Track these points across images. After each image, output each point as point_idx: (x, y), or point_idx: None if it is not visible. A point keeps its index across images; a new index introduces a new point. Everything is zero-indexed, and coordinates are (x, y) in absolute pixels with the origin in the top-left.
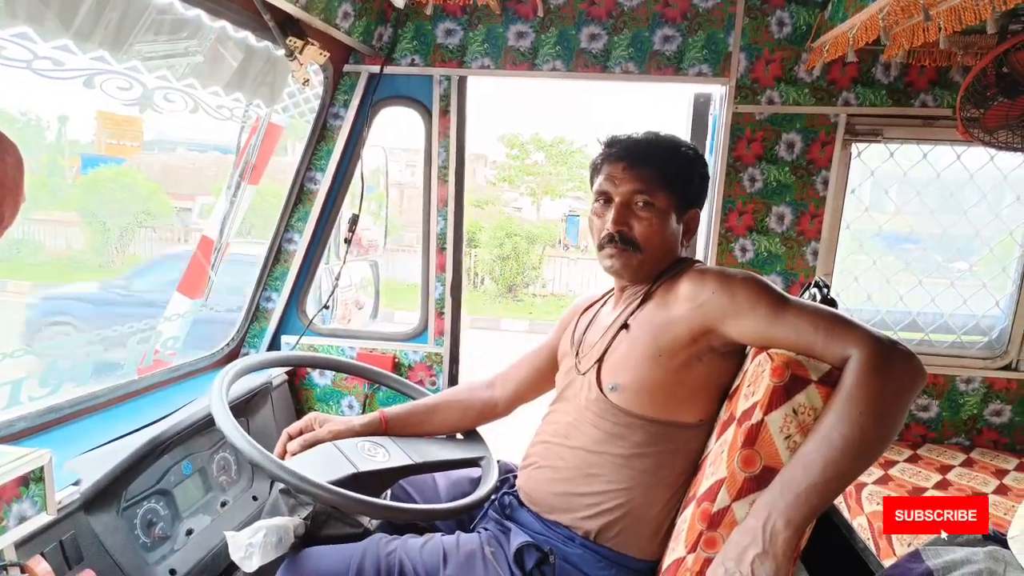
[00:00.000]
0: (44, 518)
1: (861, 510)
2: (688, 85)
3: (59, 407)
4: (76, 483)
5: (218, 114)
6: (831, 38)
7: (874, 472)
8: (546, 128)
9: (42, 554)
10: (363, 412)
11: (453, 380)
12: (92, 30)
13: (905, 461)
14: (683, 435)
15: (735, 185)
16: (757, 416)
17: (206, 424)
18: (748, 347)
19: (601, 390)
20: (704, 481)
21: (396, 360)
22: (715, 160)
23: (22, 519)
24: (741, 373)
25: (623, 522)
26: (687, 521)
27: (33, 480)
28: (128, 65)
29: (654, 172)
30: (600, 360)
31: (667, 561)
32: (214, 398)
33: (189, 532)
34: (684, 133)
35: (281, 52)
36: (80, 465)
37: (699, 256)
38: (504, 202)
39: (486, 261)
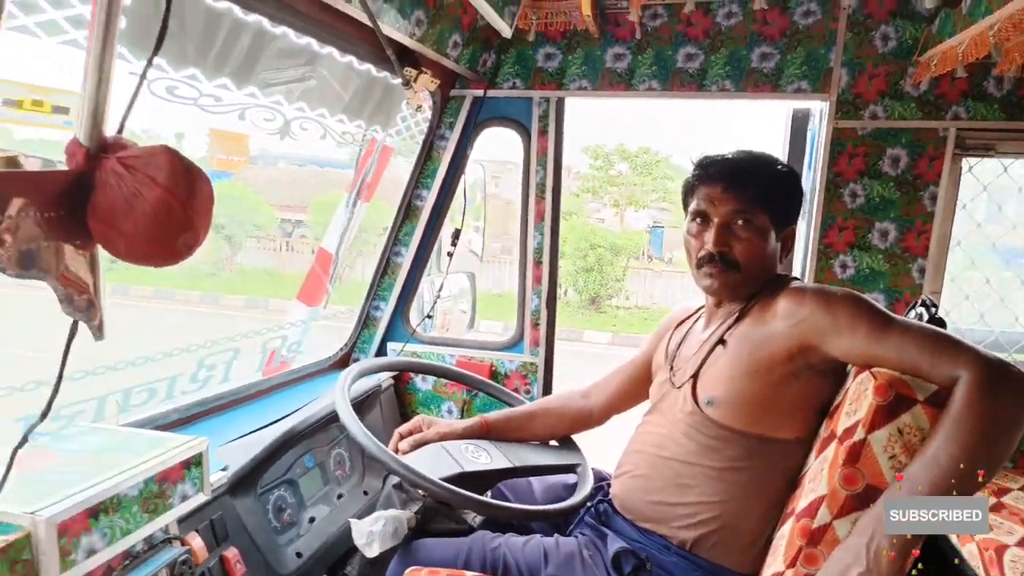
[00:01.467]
0: (200, 498)
1: (971, 538)
2: (786, 101)
3: (205, 402)
4: (224, 469)
5: (342, 139)
6: (939, 53)
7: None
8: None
9: (197, 530)
10: (461, 417)
11: (547, 389)
12: (250, 72)
13: (1020, 489)
14: (779, 451)
15: (835, 201)
16: (860, 434)
17: (327, 422)
18: (849, 365)
19: (697, 404)
20: (803, 497)
21: (493, 368)
22: (814, 176)
23: (184, 498)
24: (842, 391)
25: (719, 534)
26: (785, 536)
27: (194, 464)
28: (272, 99)
29: (753, 192)
30: (695, 374)
31: (765, 574)
32: (339, 399)
33: (312, 520)
34: (781, 148)
35: (397, 81)
36: (224, 454)
37: (796, 273)
38: (587, 213)
39: (569, 272)
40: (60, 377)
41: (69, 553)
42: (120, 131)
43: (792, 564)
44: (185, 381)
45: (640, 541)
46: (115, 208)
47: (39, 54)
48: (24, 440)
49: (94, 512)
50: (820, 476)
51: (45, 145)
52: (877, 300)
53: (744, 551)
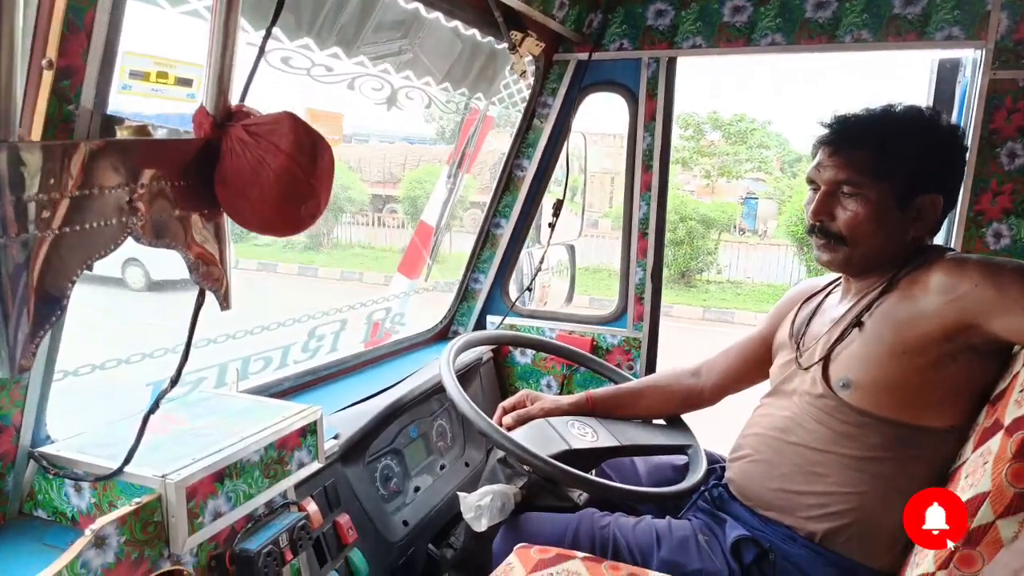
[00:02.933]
0: (316, 465)
1: None
2: (932, 52)
3: (316, 370)
4: (335, 437)
5: (446, 108)
6: None
7: None
8: (725, 105)
9: (312, 496)
10: (560, 392)
11: (651, 366)
12: (359, 40)
13: None
14: (929, 440)
15: (990, 162)
16: None
17: (431, 393)
18: (1017, 347)
19: (829, 386)
20: (959, 493)
21: (594, 343)
22: (966, 134)
23: (301, 465)
24: (1009, 375)
25: (854, 528)
26: None
27: (309, 432)
28: (381, 68)
29: (865, 156)
30: (827, 355)
31: (910, 574)
32: (444, 372)
33: (417, 489)
34: (925, 104)
35: (500, 46)
36: (334, 422)
37: (939, 243)
38: (677, 185)
39: None
40: (189, 344)
41: (197, 516)
42: (243, 100)
43: (944, 566)
44: (297, 350)
45: (761, 530)
46: (241, 176)
47: (161, 24)
48: (156, 405)
49: (220, 476)
50: (982, 470)
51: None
52: None
53: (884, 548)
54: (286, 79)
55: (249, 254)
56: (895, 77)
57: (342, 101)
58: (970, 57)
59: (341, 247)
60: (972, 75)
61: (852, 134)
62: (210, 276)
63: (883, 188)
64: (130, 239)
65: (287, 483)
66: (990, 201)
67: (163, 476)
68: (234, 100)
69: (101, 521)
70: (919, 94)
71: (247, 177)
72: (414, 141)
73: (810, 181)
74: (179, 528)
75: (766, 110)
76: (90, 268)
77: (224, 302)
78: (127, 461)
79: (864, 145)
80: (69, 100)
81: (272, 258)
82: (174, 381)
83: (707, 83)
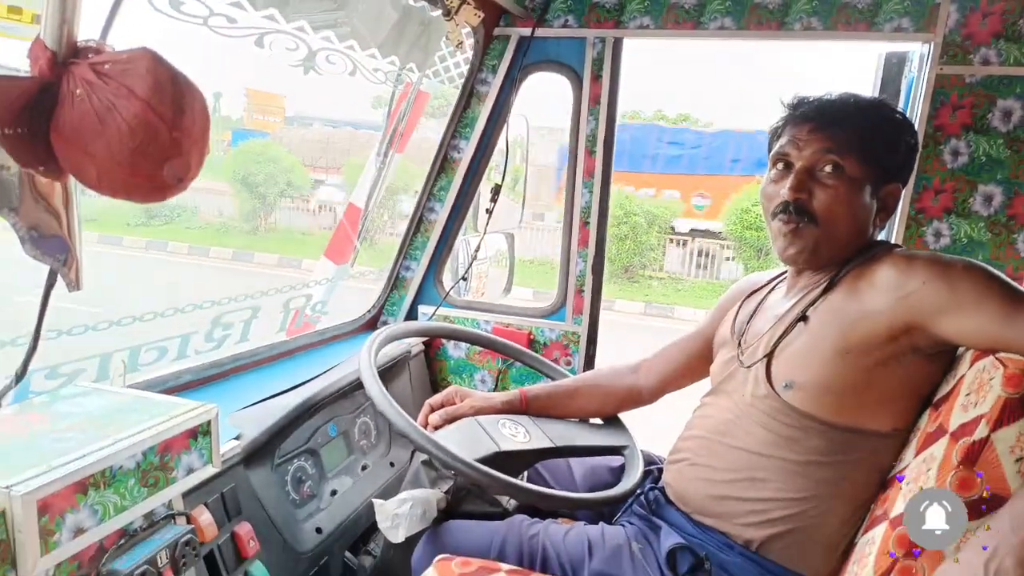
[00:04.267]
0: (210, 470)
1: None
2: (877, 44)
3: (220, 363)
4: (237, 438)
5: (374, 77)
6: None
7: None
8: (670, 103)
9: (205, 504)
10: (495, 388)
11: (590, 362)
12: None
13: None
14: (871, 444)
15: (932, 160)
16: (981, 432)
17: (351, 388)
18: (961, 348)
19: (772, 387)
20: (900, 500)
21: (531, 337)
22: None
23: (190, 470)
24: (954, 378)
25: (793, 535)
26: (875, 543)
27: (201, 433)
28: (296, 25)
29: (848, 134)
30: (770, 353)
31: None
32: (364, 366)
33: (333, 492)
34: None
35: (435, 13)
36: (238, 420)
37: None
38: (622, 181)
39: None
40: (38, 332)
41: (52, 533)
42: (104, 38)
43: None
44: (200, 340)
45: (697, 537)
46: (84, 125)
47: None
48: None
49: (82, 486)
50: (924, 476)
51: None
52: None
53: (821, 557)
54: (222, 52)
55: (177, 236)
56: (836, 74)
57: (288, 83)
58: (917, 52)
59: (279, 232)
60: (919, 69)
61: (835, 112)
62: (52, 250)
63: (862, 169)
64: None
65: (172, 492)
66: (931, 199)
67: (7, 487)
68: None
69: None
70: (863, 89)
71: (91, 127)
72: (360, 127)
73: (782, 157)
74: (28, 547)
75: (707, 111)
76: None
77: (74, 283)
78: None
79: (846, 123)
80: None
81: (205, 242)
82: (19, 376)
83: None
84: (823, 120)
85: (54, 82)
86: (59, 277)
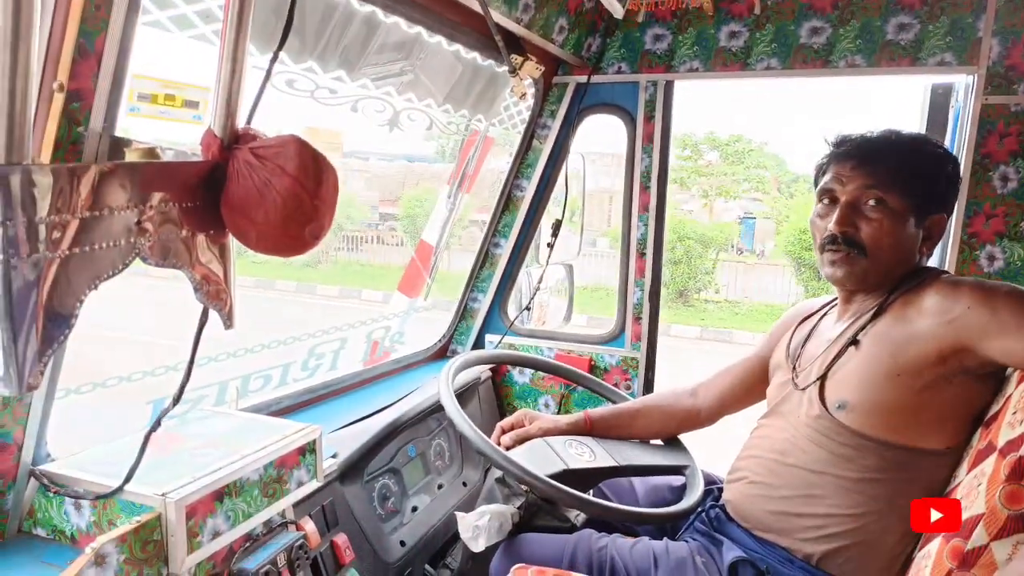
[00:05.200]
0: (314, 484)
1: None
2: (924, 77)
3: (315, 388)
4: (334, 456)
5: (447, 130)
6: None
7: None
8: (722, 125)
9: (310, 515)
10: (559, 411)
11: (648, 385)
12: (362, 63)
13: None
14: (925, 462)
15: (982, 185)
16: None
17: (429, 412)
18: (1010, 369)
19: (825, 407)
20: None
21: (592, 362)
22: (958, 158)
23: (300, 484)
24: (1003, 397)
25: (852, 550)
26: (931, 556)
27: (308, 451)
28: (383, 91)
29: (888, 169)
30: (823, 376)
31: None
32: (443, 392)
33: (414, 509)
34: (918, 129)
35: (500, 69)
36: (332, 441)
37: (934, 265)
38: (675, 204)
39: None
40: (191, 363)
41: (196, 535)
42: (249, 122)
43: None
44: (297, 369)
45: (758, 551)
46: (247, 198)
47: (167, 49)
48: (157, 424)
49: (219, 495)
50: (976, 492)
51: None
52: None
53: (880, 570)
54: (286, 97)
55: (246, 271)
56: (887, 102)
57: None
58: (962, 82)
59: (340, 264)
60: (965, 100)
61: (875, 150)
62: (215, 296)
63: (904, 202)
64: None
65: (286, 502)
66: (983, 224)
67: (163, 495)
68: (240, 123)
69: (102, 539)
70: (912, 118)
71: (253, 199)
72: (414, 160)
73: (827, 192)
74: (178, 547)
75: (763, 131)
76: (96, 288)
77: (228, 321)
78: (128, 479)
79: (887, 159)
80: (79, 122)
81: (270, 275)
82: (176, 399)
83: (705, 103)
84: (864, 157)
85: (221, 164)
86: (211, 315)
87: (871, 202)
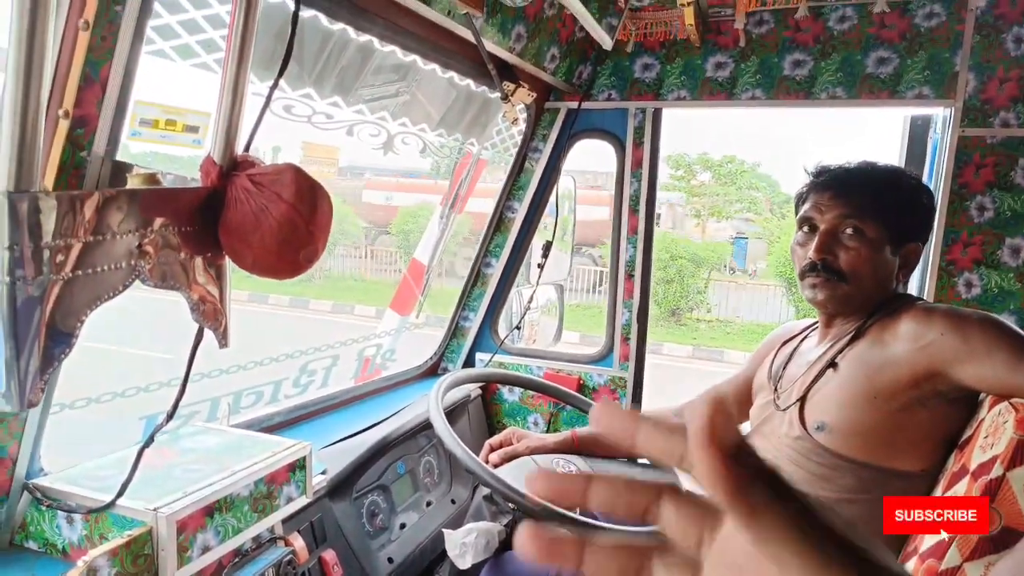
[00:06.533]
0: (303, 500)
1: None
2: (903, 109)
3: (306, 405)
4: (323, 472)
5: (440, 152)
6: None
7: None
8: (715, 146)
9: (299, 531)
10: (547, 430)
11: (636, 404)
12: (359, 90)
13: None
14: (901, 484)
15: (960, 215)
16: (997, 471)
17: (419, 429)
18: (983, 394)
19: (805, 428)
20: (928, 536)
21: (581, 382)
22: (936, 187)
23: (289, 499)
24: (976, 421)
25: None
26: None
27: (298, 467)
28: (378, 115)
29: (865, 200)
30: (803, 397)
31: None
32: (433, 410)
33: (403, 526)
34: (898, 158)
35: (494, 95)
36: (322, 457)
37: (913, 291)
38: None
39: None
40: (186, 380)
41: (186, 549)
42: (247, 149)
43: None
44: (288, 385)
45: None
46: (244, 223)
47: (166, 74)
48: (151, 440)
49: (209, 510)
50: None
51: (165, 160)
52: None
53: None
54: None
55: (239, 284)
56: (873, 129)
57: (338, 137)
58: (940, 114)
59: (333, 279)
60: (943, 131)
61: (852, 180)
62: (210, 315)
63: (880, 231)
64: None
65: (275, 518)
66: (961, 251)
67: (154, 509)
68: (239, 148)
69: (94, 553)
70: (892, 148)
71: (250, 224)
72: (410, 175)
73: (807, 220)
74: (168, 561)
75: (755, 152)
76: (97, 308)
77: (223, 340)
78: (121, 493)
79: (864, 190)
80: (82, 147)
81: (263, 289)
82: (170, 415)
83: (697, 125)
84: (842, 188)
85: (220, 190)
86: (206, 335)
87: (848, 231)
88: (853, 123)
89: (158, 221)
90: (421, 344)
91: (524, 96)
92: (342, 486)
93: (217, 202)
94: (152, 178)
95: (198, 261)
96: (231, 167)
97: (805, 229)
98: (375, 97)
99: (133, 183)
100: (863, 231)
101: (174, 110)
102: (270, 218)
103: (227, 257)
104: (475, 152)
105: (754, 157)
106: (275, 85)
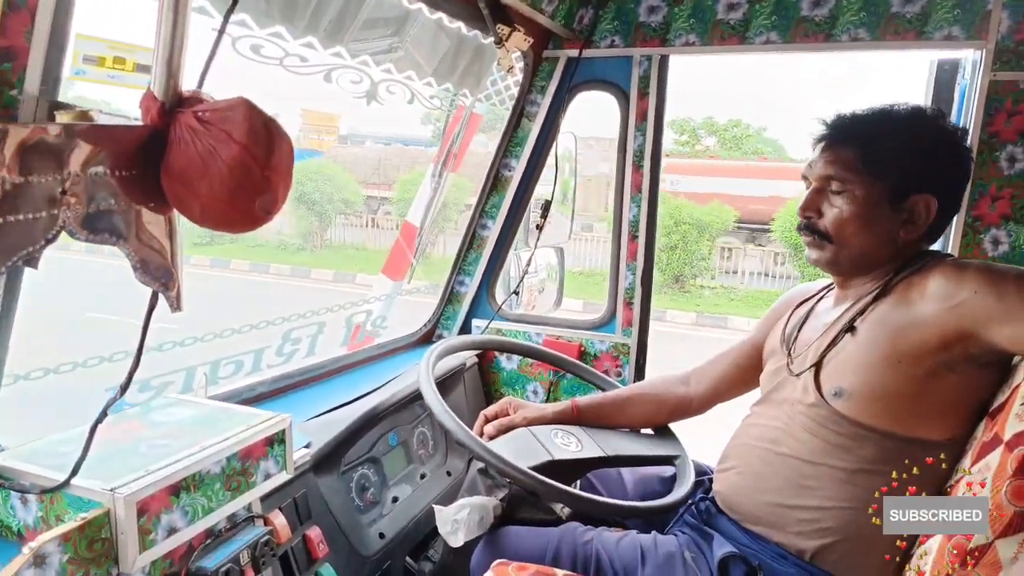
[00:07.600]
0: (284, 476)
1: None
2: (930, 52)
3: (290, 375)
4: (307, 446)
5: (430, 104)
6: None
7: None
8: (720, 110)
9: (280, 508)
10: (547, 399)
11: (640, 372)
12: (337, 31)
13: None
14: (926, 455)
15: (988, 166)
16: None
17: (411, 399)
18: (1017, 358)
19: (821, 395)
20: None
21: (582, 348)
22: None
23: (267, 476)
24: (1009, 388)
25: (845, 545)
26: (931, 554)
27: (277, 441)
28: (360, 60)
29: (853, 153)
30: (819, 362)
31: None
32: (423, 379)
33: (395, 499)
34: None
35: (487, 41)
36: (307, 430)
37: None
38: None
39: None
40: (140, 349)
41: (149, 532)
42: (200, 86)
43: None
44: (271, 354)
45: (750, 546)
46: (190, 167)
47: (120, 8)
48: (103, 415)
49: (175, 489)
50: (980, 487)
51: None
52: None
53: (877, 567)
54: (279, 77)
55: (242, 254)
56: (891, 79)
57: (339, 103)
58: (969, 58)
59: (334, 248)
60: (972, 76)
61: (842, 131)
62: (159, 276)
63: (871, 186)
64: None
65: (251, 496)
66: (988, 206)
67: (112, 490)
68: (192, 86)
69: (42, 538)
70: (916, 96)
71: (196, 168)
72: (409, 143)
73: (804, 178)
74: (129, 545)
75: (761, 116)
76: (20, 264)
77: (176, 303)
78: (74, 473)
79: (853, 142)
80: (12, 85)
81: (266, 259)
82: (124, 388)
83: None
84: (833, 140)
85: (163, 129)
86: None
87: (834, 186)
88: (869, 75)
89: (77, 161)
90: (419, 313)
91: (520, 42)
92: (328, 459)
93: (161, 144)
94: (84, 115)
95: (144, 213)
96: (175, 103)
97: (804, 186)
98: (371, 51)
99: (62, 120)
100: (850, 188)
101: (123, 46)
102: (219, 161)
103: (175, 209)
104: (468, 105)
105: (760, 121)
106: (230, 11)
